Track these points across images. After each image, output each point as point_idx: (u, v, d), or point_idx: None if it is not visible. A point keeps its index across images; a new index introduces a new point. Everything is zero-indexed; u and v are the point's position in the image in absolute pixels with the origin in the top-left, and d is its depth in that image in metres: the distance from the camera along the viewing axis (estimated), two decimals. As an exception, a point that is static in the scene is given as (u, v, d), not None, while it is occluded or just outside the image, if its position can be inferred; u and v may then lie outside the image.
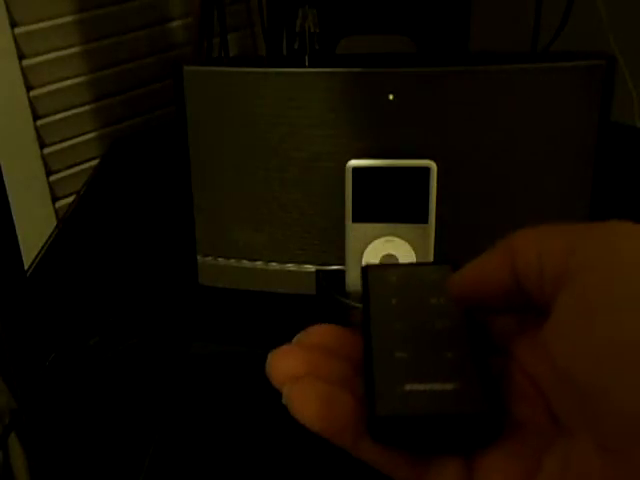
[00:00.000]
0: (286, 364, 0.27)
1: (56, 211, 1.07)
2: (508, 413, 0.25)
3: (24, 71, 0.97)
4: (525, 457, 0.24)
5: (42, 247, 0.80)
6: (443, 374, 0.26)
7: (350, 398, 0.26)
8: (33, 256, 0.77)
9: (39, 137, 1.02)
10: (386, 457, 0.25)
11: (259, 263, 0.67)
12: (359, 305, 0.68)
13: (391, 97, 0.61)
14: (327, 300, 0.66)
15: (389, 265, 0.32)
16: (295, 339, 0.29)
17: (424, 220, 0.61)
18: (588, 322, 0.22)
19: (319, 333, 0.29)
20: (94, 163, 1.05)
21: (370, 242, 0.62)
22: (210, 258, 0.68)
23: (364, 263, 0.63)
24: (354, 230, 0.62)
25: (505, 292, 0.26)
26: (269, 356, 0.28)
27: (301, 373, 0.27)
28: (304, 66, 0.63)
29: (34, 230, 0.83)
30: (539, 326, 0.24)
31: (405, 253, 0.62)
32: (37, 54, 0.98)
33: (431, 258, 0.62)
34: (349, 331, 0.30)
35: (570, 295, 0.23)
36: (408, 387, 0.25)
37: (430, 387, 0.25)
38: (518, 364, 0.26)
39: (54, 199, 1.06)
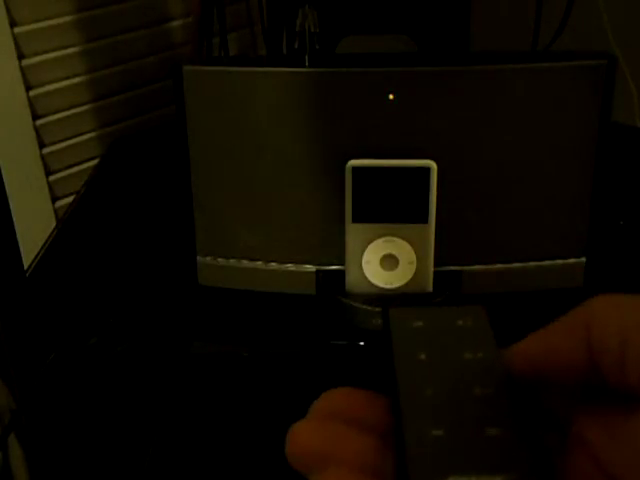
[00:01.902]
0: (307, 444, 0.24)
1: (56, 211, 1.07)
2: None
3: (23, 71, 0.97)
4: None
5: (42, 247, 0.80)
6: (490, 460, 0.22)
7: None
8: (33, 256, 0.77)
9: (38, 137, 1.01)
10: None
11: (259, 263, 0.67)
12: (359, 305, 0.68)
13: (391, 97, 0.61)
14: (327, 300, 0.66)
15: (413, 308, 0.28)
16: (312, 408, 0.26)
17: (424, 220, 0.61)
18: None
19: (338, 400, 0.26)
20: (94, 163, 1.05)
21: (370, 242, 0.62)
22: (210, 258, 0.68)
23: (364, 262, 0.63)
24: (354, 230, 0.62)
25: (577, 370, 0.22)
26: (288, 433, 0.25)
27: (324, 455, 0.24)
28: (304, 66, 0.63)
29: (34, 230, 0.83)
30: (615, 408, 0.22)
31: (405, 253, 0.62)
32: (37, 54, 0.98)
33: (431, 258, 0.62)
34: (370, 394, 0.26)
35: None
36: None
37: None
38: (584, 445, 0.23)
39: (54, 199, 1.06)
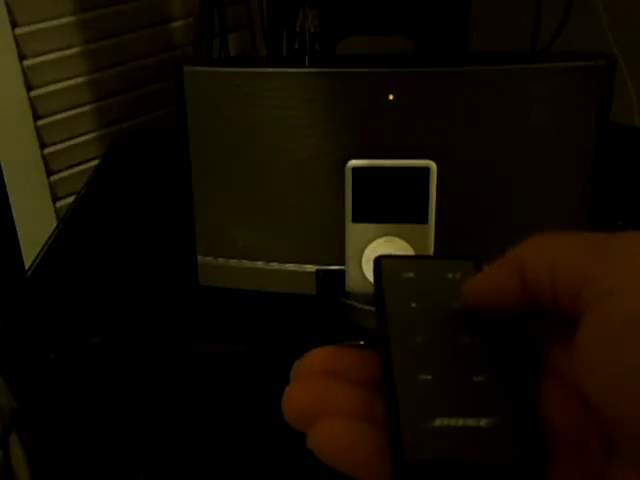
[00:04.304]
0: (300, 402, 0.25)
1: (56, 211, 1.07)
2: (555, 429, 0.23)
3: (25, 71, 0.97)
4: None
5: (42, 247, 0.80)
6: (476, 405, 0.23)
7: (376, 432, 0.24)
8: (33, 256, 0.77)
9: (39, 137, 1.02)
10: None
11: (259, 263, 0.67)
12: (359, 305, 0.68)
13: (391, 97, 0.61)
14: (327, 300, 0.66)
15: (404, 258, 0.30)
16: (298, 369, 0.27)
17: (424, 220, 0.61)
18: (614, 355, 0.21)
19: (324, 358, 0.27)
20: (94, 163, 1.05)
21: (370, 242, 0.62)
22: (210, 258, 0.68)
23: (364, 262, 0.63)
24: (354, 230, 0.62)
25: (518, 303, 0.25)
26: (283, 397, 0.26)
27: (318, 408, 0.25)
28: (304, 66, 0.63)
29: (34, 230, 0.83)
30: (569, 332, 0.23)
31: (405, 253, 0.62)
32: (38, 54, 0.98)
33: (431, 258, 0.62)
34: (356, 350, 0.27)
35: (593, 324, 0.22)
36: (438, 422, 0.22)
37: (462, 423, 0.22)
38: (554, 371, 0.24)
39: (54, 199, 1.06)
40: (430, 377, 0.24)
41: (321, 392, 0.25)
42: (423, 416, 0.23)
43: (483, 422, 0.22)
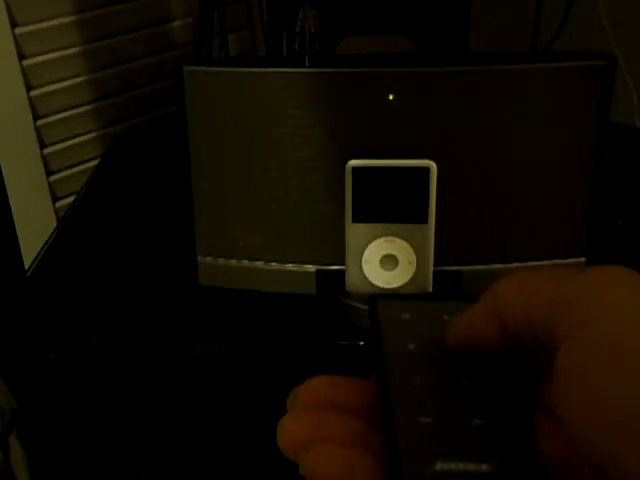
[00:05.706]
0: (297, 432, 0.25)
1: (56, 211, 1.07)
2: (550, 463, 0.23)
3: (24, 71, 0.97)
4: None
5: (42, 247, 0.80)
6: (476, 449, 0.23)
7: (370, 460, 0.24)
8: (33, 256, 0.77)
9: (39, 137, 1.02)
10: None
11: (259, 263, 0.67)
12: (359, 305, 0.68)
13: (391, 97, 0.61)
14: (327, 300, 0.66)
15: (401, 299, 0.29)
16: (295, 399, 0.27)
17: (424, 220, 0.61)
18: (588, 384, 0.21)
19: (319, 389, 0.27)
20: (94, 163, 1.05)
21: (370, 242, 0.62)
22: (210, 258, 0.68)
23: (364, 262, 0.63)
24: (354, 230, 0.62)
25: (501, 343, 0.25)
26: (277, 428, 0.26)
27: (313, 438, 0.25)
28: (304, 66, 0.63)
29: (34, 230, 0.83)
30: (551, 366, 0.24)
31: (405, 253, 0.62)
32: (37, 54, 0.98)
33: (431, 258, 0.62)
34: (349, 380, 0.28)
35: (568, 355, 0.22)
36: (438, 466, 0.22)
37: (463, 467, 0.22)
38: (544, 408, 0.25)
39: (54, 199, 1.06)
40: (430, 420, 0.24)
41: (319, 421, 0.25)
42: (424, 460, 0.22)
43: (484, 467, 0.22)
